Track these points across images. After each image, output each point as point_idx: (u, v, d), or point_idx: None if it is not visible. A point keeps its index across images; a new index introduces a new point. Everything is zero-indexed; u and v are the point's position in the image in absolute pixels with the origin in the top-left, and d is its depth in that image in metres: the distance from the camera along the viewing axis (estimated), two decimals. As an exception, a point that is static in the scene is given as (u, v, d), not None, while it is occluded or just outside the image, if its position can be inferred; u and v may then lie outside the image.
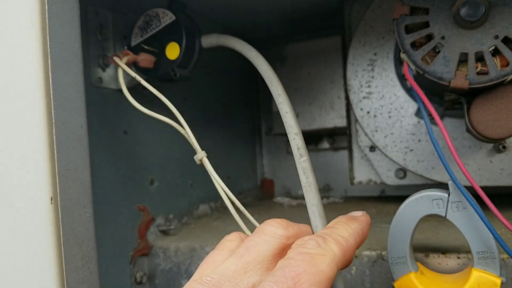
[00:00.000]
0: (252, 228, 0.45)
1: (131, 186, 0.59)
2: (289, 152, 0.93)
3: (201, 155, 0.48)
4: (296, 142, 0.41)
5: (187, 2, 0.56)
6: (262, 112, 0.96)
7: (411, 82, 0.44)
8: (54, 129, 0.37)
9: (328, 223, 0.37)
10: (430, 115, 0.43)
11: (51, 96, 0.37)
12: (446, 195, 0.41)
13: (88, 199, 0.40)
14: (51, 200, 0.37)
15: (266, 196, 0.95)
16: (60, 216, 0.37)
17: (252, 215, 0.75)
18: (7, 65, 0.37)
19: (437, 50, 0.45)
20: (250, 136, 0.95)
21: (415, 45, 0.46)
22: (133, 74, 0.49)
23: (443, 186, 0.61)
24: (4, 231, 0.38)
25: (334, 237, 0.32)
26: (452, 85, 0.43)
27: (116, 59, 0.50)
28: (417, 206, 0.42)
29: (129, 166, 0.59)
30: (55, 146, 0.37)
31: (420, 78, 0.46)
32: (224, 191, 0.48)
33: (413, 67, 0.45)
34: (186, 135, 0.49)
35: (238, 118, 0.90)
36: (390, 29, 0.62)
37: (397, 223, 0.42)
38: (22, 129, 0.37)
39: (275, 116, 0.85)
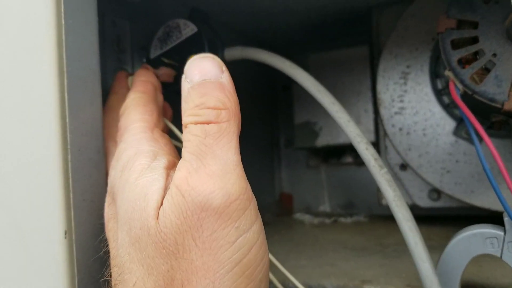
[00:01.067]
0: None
1: None
2: (310, 165, 0.89)
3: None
4: (370, 152, 0.38)
5: (207, 10, 0.53)
6: (281, 123, 0.92)
7: (459, 102, 0.40)
8: (69, 156, 0.33)
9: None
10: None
11: (67, 119, 0.33)
12: (502, 233, 0.36)
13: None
14: (65, 234, 0.34)
15: (285, 212, 0.91)
16: (74, 251, 0.34)
17: (273, 236, 0.71)
18: (20, 84, 0.34)
19: (487, 68, 0.41)
20: (268, 148, 0.91)
21: (461, 62, 0.42)
22: None
23: (480, 210, 0.57)
24: (14, 269, 0.34)
25: None
26: (506, 107, 0.39)
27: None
28: (468, 244, 0.38)
29: None
30: (70, 175, 0.33)
31: (466, 97, 0.42)
32: None
33: (460, 86, 0.41)
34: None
35: (256, 130, 0.86)
36: (425, 40, 0.58)
37: (445, 262, 0.38)
38: (35, 156, 0.34)
39: (298, 128, 0.81)
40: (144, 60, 0.51)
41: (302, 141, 0.80)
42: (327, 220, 0.80)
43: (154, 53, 0.50)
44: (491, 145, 0.38)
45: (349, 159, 0.84)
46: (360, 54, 0.75)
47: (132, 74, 0.49)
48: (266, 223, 0.83)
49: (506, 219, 0.36)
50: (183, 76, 0.32)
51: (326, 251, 0.60)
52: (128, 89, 0.44)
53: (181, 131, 0.32)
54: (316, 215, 0.85)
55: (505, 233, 0.36)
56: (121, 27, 0.49)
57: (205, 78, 0.31)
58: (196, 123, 0.30)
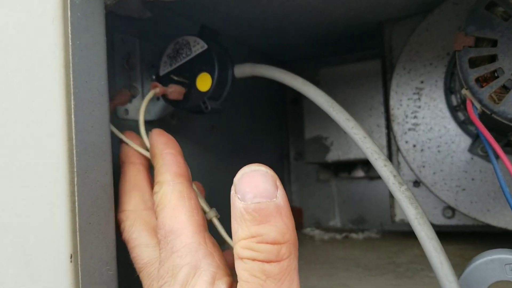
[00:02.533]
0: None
1: None
2: (320, 179, 0.88)
3: (210, 215, 0.41)
4: (389, 169, 0.37)
5: (219, 27, 0.52)
6: (290, 136, 0.91)
7: (476, 122, 0.39)
8: (75, 179, 0.33)
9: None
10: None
11: (73, 141, 0.32)
12: (523, 259, 0.35)
13: (111, 254, 0.36)
14: (71, 258, 0.33)
15: (295, 226, 0.90)
16: (80, 276, 0.33)
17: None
18: (27, 105, 0.33)
19: (506, 87, 0.40)
20: (278, 161, 0.90)
21: (479, 81, 0.41)
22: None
23: (494, 228, 0.56)
24: (18, 295, 0.34)
25: None
26: (526, 128, 0.38)
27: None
28: (486, 270, 0.36)
29: None
30: (76, 198, 0.33)
31: (483, 115, 0.41)
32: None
33: (478, 105, 0.40)
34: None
35: (266, 143, 0.85)
36: (439, 55, 0.57)
37: (463, 289, 0.37)
38: (41, 179, 0.33)
39: (308, 143, 0.79)
40: (154, 77, 0.51)
41: (312, 156, 0.79)
42: (338, 236, 0.78)
43: (163, 70, 0.50)
44: (509, 163, 0.36)
45: (360, 173, 0.83)
46: (372, 68, 0.73)
47: (131, 90, 0.48)
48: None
49: (527, 245, 0.35)
50: (233, 189, 0.28)
51: (337, 270, 0.58)
52: (145, 159, 0.41)
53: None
54: (327, 230, 0.84)
55: (526, 260, 0.35)
56: (131, 45, 0.49)
57: (259, 199, 0.27)
58: (254, 259, 0.27)
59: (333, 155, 0.77)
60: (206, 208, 0.40)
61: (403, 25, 0.64)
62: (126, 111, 0.50)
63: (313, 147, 0.79)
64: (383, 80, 0.66)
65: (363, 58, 0.78)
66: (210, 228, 0.43)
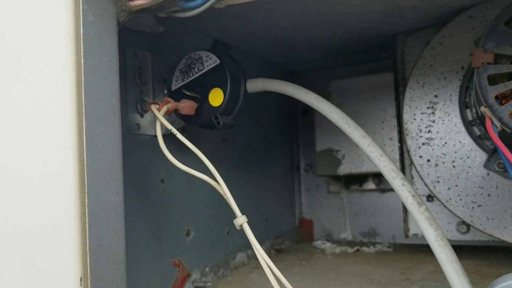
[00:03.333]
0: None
1: (166, 239, 0.54)
2: (330, 191, 0.87)
3: (241, 220, 0.42)
4: (408, 189, 0.37)
5: (231, 40, 0.51)
6: (301, 147, 0.90)
7: (496, 141, 0.38)
8: (86, 199, 0.32)
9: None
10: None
11: (85, 162, 0.32)
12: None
13: (121, 276, 0.35)
14: (81, 281, 0.32)
15: (305, 238, 0.89)
16: (90, 299, 0.32)
17: (294, 267, 0.68)
18: (39, 124, 0.33)
19: (526, 104, 0.39)
20: (288, 172, 0.89)
21: (498, 98, 0.40)
22: (169, 126, 0.44)
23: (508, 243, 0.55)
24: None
25: None
26: (548, 147, 0.37)
27: (153, 108, 0.45)
28: (508, 294, 0.35)
29: (166, 217, 0.54)
30: (87, 219, 0.32)
31: (502, 134, 0.40)
32: (264, 260, 0.42)
33: (498, 123, 0.39)
34: (224, 196, 0.44)
35: (276, 155, 0.84)
36: (454, 69, 0.56)
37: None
38: (51, 200, 0.32)
39: (319, 156, 0.79)
40: (166, 91, 0.50)
41: (324, 169, 0.78)
42: (350, 250, 0.77)
43: (175, 84, 0.49)
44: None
45: (371, 185, 0.82)
46: (384, 81, 0.73)
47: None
48: (286, 252, 0.81)
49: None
50: None
51: (350, 287, 0.57)
52: None
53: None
54: (338, 242, 0.83)
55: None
56: (143, 59, 0.48)
57: None
58: None
59: (345, 168, 0.76)
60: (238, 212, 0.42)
61: (416, 38, 0.63)
62: (138, 125, 0.49)
63: (325, 160, 0.78)
64: (395, 93, 0.65)
65: (376, 70, 0.77)
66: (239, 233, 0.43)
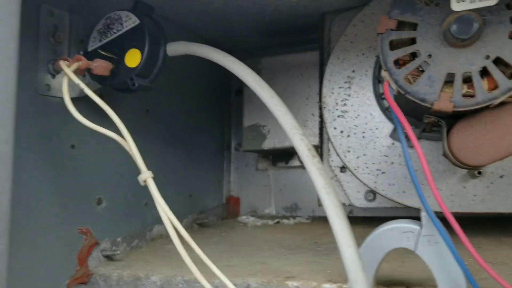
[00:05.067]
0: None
1: (74, 207, 0.54)
2: (258, 169, 0.89)
3: (145, 175, 0.43)
4: (305, 143, 0.39)
5: (158, 9, 0.51)
6: (233, 126, 0.92)
7: (391, 102, 0.41)
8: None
9: None
10: (406, 136, 0.40)
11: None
12: (418, 227, 0.37)
13: (3, 229, 0.34)
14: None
15: (232, 215, 0.91)
16: None
17: (213, 237, 0.70)
18: None
19: (422, 69, 0.42)
20: (218, 151, 0.91)
21: (398, 63, 0.43)
22: (77, 81, 0.44)
23: (412, 210, 0.59)
24: None
25: None
26: (435, 107, 0.40)
27: (62, 63, 0.45)
28: (385, 238, 0.39)
29: (75, 184, 0.54)
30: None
31: (400, 98, 0.43)
32: (168, 217, 0.43)
33: (394, 86, 0.42)
34: (130, 151, 0.44)
35: (207, 132, 0.85)
36: (371, 46, 0.60)
37: (363, 255, 0.38)
38: None
39: (246, 131, 0.81)
40: (81, 52, 0.49)
41: (250, 144, 0.81)
42: (270, 222, 0.80)
43: (92, 45, 0.49)
44: (417, 143, 0.39)
45: (296, 162, 0.85)
46: (311, 59, 0.76)
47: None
48: (208, 226, 0.82)
49: (423, 214, 0.37)
50: None
51: (261, 251, 0.60)
52: None
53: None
54: (261, 217, 0.85)
55: (421, 228, 0.37)
56: (59, 18, 0.47)
57: None
58: None
59: (270, 143, 0.79)
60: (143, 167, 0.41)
61: (343, 17, 0.66)
62: (48, 86, 0.48)
63: (251, 135, 0.80)
64: (320, 71, 0.68)
65: (307, 50, 0.80)
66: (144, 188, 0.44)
